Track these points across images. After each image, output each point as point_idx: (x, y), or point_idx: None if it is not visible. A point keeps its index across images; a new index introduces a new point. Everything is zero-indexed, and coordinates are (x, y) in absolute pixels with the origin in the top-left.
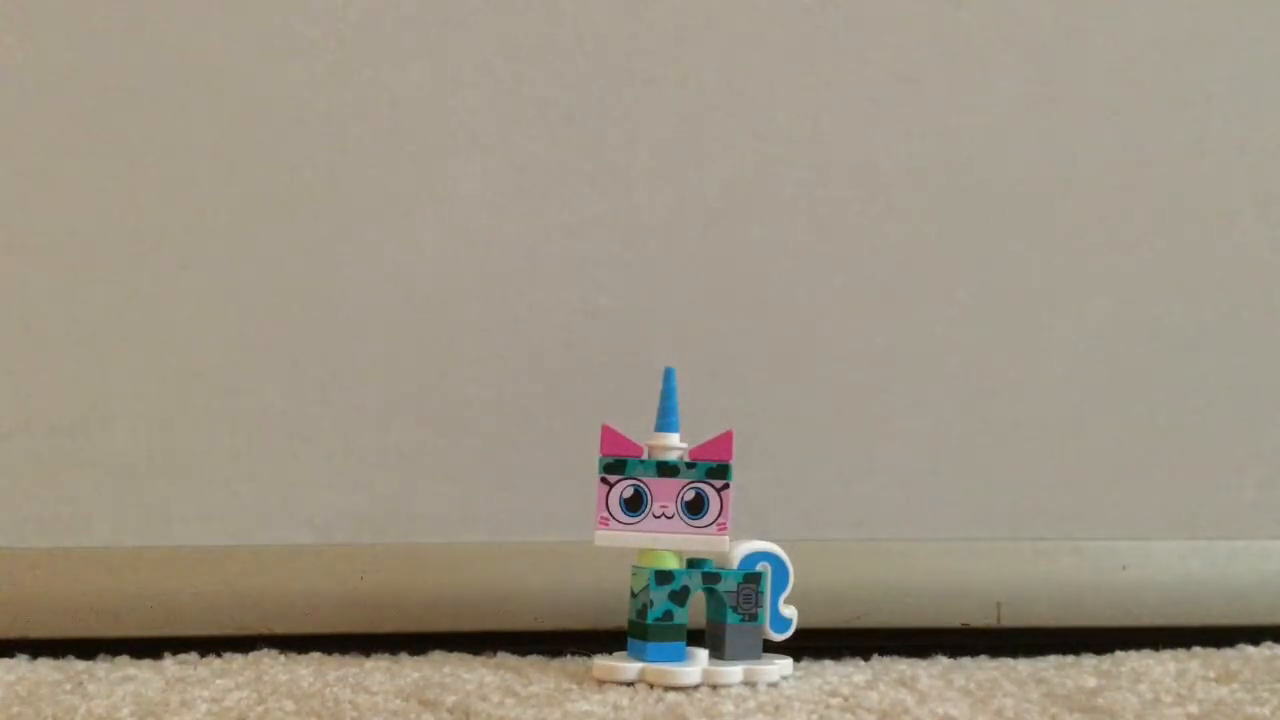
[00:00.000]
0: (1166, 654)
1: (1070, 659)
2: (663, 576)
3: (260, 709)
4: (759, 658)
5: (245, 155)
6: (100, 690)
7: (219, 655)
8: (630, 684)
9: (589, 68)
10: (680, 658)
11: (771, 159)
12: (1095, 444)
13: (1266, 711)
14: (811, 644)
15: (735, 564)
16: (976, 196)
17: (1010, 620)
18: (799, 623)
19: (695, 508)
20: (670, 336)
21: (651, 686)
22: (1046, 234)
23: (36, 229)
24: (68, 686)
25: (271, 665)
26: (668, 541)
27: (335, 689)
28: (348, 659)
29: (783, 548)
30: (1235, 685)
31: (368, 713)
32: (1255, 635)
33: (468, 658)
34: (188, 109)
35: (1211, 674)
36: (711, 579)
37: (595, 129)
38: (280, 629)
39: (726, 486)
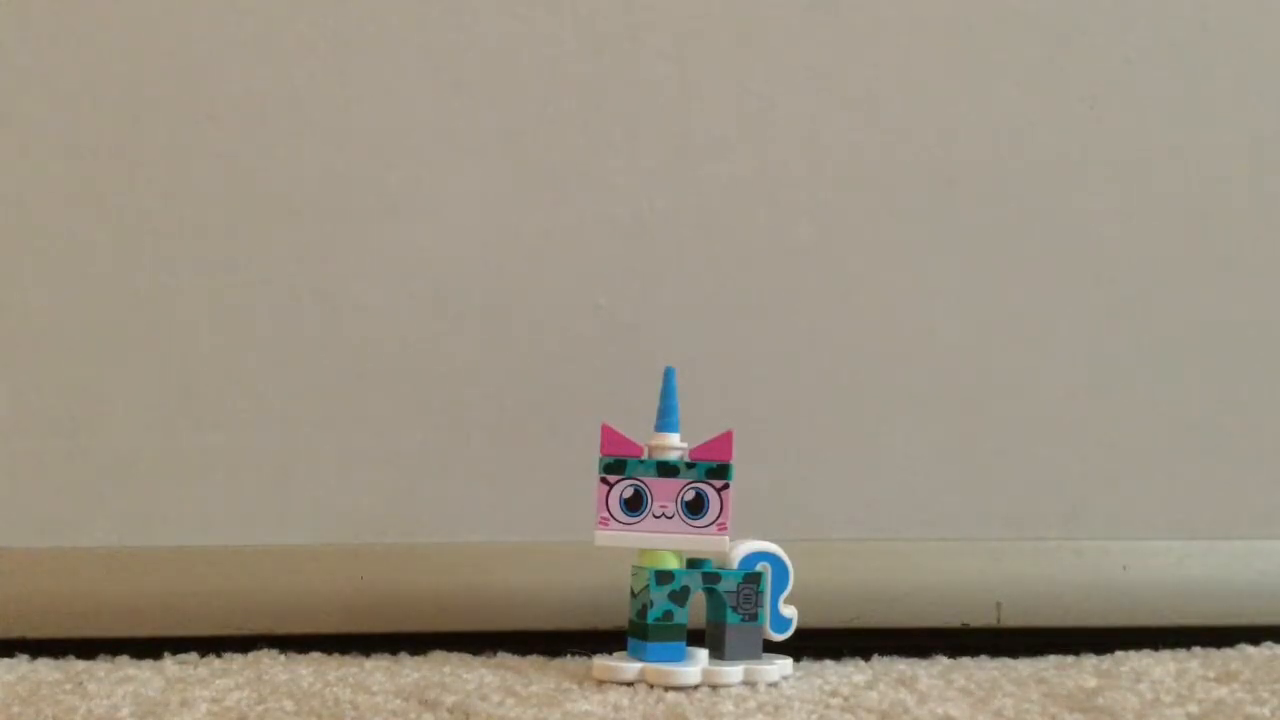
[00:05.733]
0: (1166, 654)
1: (1070, 659)
2: (663, 576)
3: (260, 709)
4: (759, 658)
5: (245, 155)
6: (100, 690)
7: (219, 655)
8: (630, 684)
9: (589, 68)
10: (680, 658)
11: (771, 159)
12: (1095, 444)
13: (1266, 711)
14: (811, 644)
15: (735, 564)
16: (976, 196)
17: (1010, 620)
18: (799, 623)
19: (695, 508)
20: (670, 336)
21: (651, 686)
22: (1046, 234)
23: (36, 229)
24: (68, 686)
25: (271, 665)
26: (668, 541)
27: (335, 689)
28: (348, 659)
29: (783, 548)
30: (1235, 685)
31: (368, 713)
32: (1255, 635)
33: (468, 658)
34: (188, 109)
35: (1211, 674)
36: (711, 579)
37: (595, 129)
38: (280, 629)
39: (726, 486)
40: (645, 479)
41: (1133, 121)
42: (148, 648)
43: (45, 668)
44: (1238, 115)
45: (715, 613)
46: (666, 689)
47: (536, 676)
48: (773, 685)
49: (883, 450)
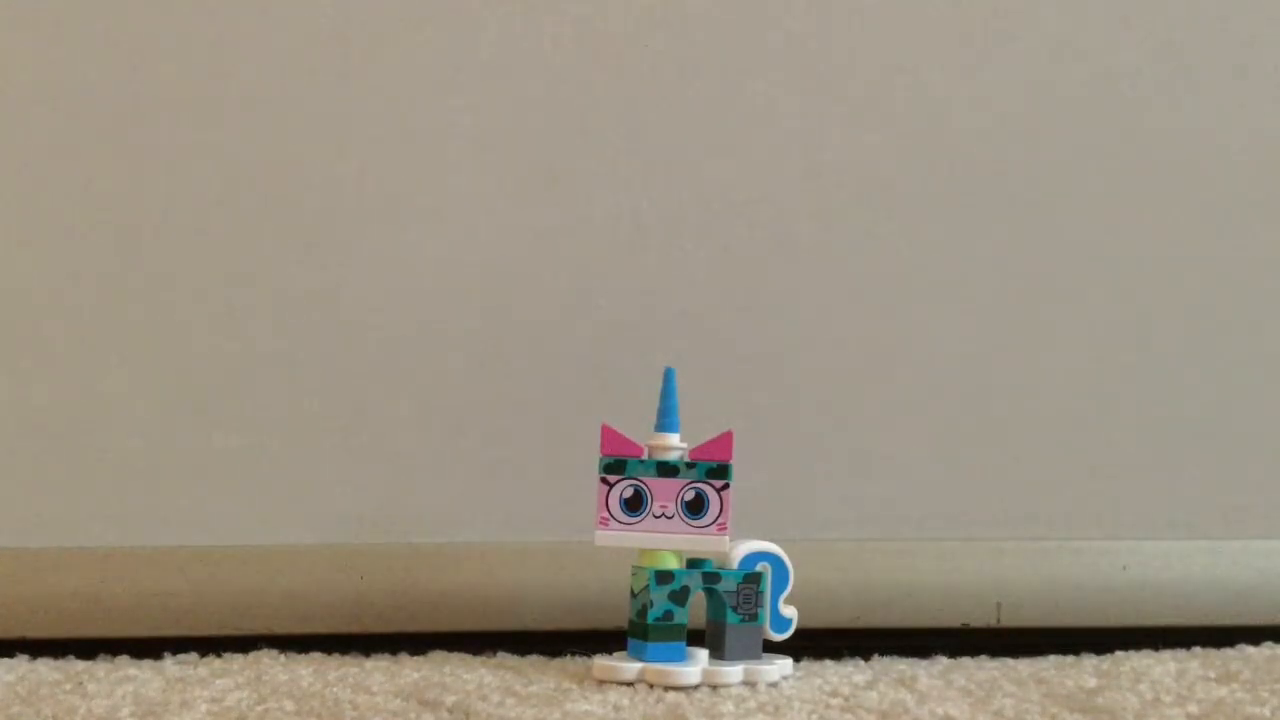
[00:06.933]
0: (1166, 654)
1: (1070, 659)
2: (663, 576)
3: (260, 709)
4: (759, 658)
5: (245, 155)
6: (100, 690)
7: (219, 655)
8: (630, 684)
9: (589, 68)
10: (680, 658)
11: (771, 159)
12: (1095, 444)
13: (1266, 711)
14: (811, 644)
15: (735, 564)
16: (976, 196)
17: (1010, 620)
18: (799, 623)
19: (695, 508)
20: (670, 336)
21: (651, 686)
22: (1047, 233)
23: (36, 229)
24: (68, 686)
25: (271, 665)
26: (668, 541)
27: (335, 689)
28: (348, 659)
29: (783, 548)
30: (1235, 685)
31: (368, 713)
32: (1255, 635)
33: (468, 658)
34: (188, 109)
35: (1211, 674)
36: (711, 579)
37: (595, 129)
38: (280, 629)
39: (726, 486)
40: (645, 479)
41: (1133, 121)
42: (148, 648)
43: (45, 668)
44: (1237, 115)
45: (715, 613)
46: (666, 689)
47: (536, 676)
48: (773, 685)
49: (883, 450)
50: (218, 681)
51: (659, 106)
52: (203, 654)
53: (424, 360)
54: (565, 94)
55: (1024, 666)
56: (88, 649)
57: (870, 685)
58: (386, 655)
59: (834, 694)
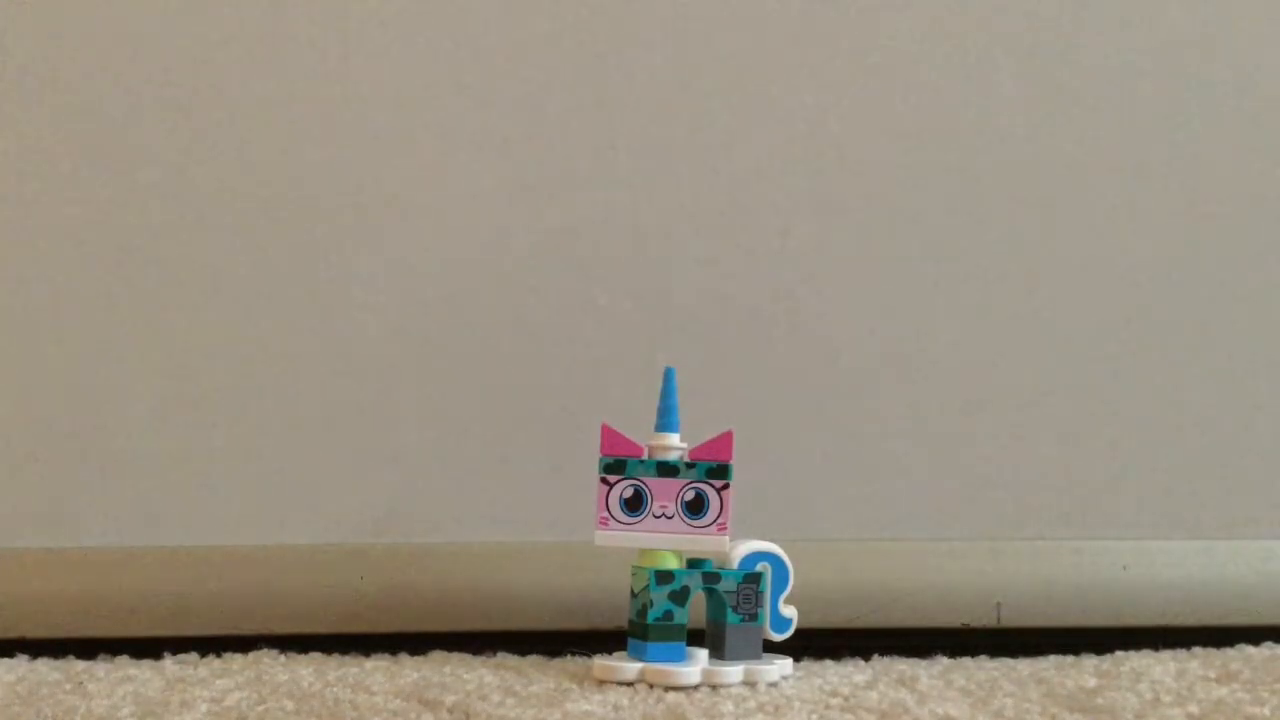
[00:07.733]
0: (1166, 654)
1: (1070, 659)
2: (663, 576)
3: (260, 709)
4: (759, 658)
5: (245, 155)
6: (100, 690)
7: (219, 655)
8: (630, 684)
9: (589, 67)
10: (680, 658)
11: (772, 158)
12: (1095, 444)
13: (1266, 711)
14: (811, 644)
15: (735, 564)
16: (977, 196)
17: (1010, 620)
18: (799, 623)
19: (695, 508)
20: (670, 336)
21: (651, 686)
22: (1047, 234)
23: (36, 229)
24: (68, 686)
25: (271, 665)
26: (668, 541)
27: (335, 689)
28: (348, 659)
29: (783, 548)
30: (1235, 685)
31: (368, 713)
32: (1255, 635)
33: (468, 658)
34: (188, 109)
35: (1211, 674)
36: (711, 579)
37: (595, 129)
38: (280, 629)
39: (726, 486)
40: (645, 479)
41: (1132, 121)
42: (148, 648)
43: (45, 668)
44: (1237, 115)
45: (715, 613)
46: (666, 689)
47: (536, 676)
48: (773, 685)
49: (883, 450)
50: (218, 681)
51: (660, 106)
52: (203, 654)
53: (424, 360)
54: (566, 94)
55: (1024, 666)
56: (88, 649)
57: (870, 685)
58: (386, 655)
59: (834, 694)
